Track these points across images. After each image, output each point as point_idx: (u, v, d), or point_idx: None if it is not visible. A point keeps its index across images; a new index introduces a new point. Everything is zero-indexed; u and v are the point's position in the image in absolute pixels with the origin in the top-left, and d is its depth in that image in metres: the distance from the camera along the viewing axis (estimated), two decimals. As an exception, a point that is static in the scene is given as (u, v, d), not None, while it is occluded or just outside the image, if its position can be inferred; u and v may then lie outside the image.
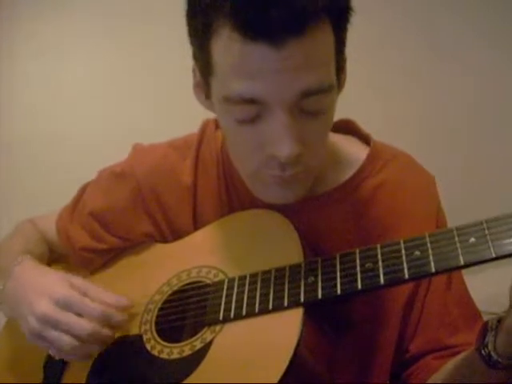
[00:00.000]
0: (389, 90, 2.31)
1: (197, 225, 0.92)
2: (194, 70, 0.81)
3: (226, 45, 0.67)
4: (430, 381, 0.80)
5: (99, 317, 0.82)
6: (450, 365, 0.77)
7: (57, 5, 2.14)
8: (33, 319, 0.82)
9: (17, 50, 2.14)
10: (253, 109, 0.70)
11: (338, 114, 0.92)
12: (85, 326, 0.80)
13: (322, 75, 0.69)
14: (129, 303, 0.86)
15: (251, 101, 0.68)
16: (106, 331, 0.82)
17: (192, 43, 0.76)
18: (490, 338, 0.67)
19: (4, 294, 0.89)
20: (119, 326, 0.84)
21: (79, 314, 0.82)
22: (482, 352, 0.67)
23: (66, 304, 0.82)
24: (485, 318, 0.87)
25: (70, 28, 2.16)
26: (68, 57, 2.16)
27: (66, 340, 0.80)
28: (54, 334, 0.81)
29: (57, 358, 0.85)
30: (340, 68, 0.75)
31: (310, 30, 0.65)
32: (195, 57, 0.77)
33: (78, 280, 0.87)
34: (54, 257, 1.04)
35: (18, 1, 2.12)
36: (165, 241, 0.94)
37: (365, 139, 0.92)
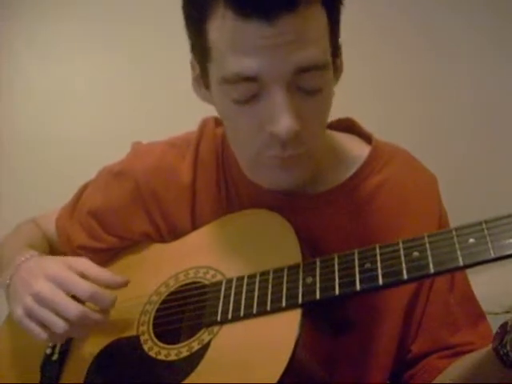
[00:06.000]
0: (389, 90, 2.31)
1: (195, 224, 0.91)
2: (192, 64, 0.81)
3: (221, 25, 0.69)
4: (438, 380, 0.79)
5: (87, 294, 0.80)
6: (463, 363, 0.77)
7: (57, 7, 2.14)
8: (29, 298, 0.81)
9: (17, 53, 2.15)
10: (250, 87, 0.70)
11: (339, 114, 0.92)
12: (76, 308, 0.78)
13: (316, 52, 0.70)
14: (124, 280, 0.85)
15: (248, 78, 0.69)
16: (96, 315, 0.80)
17: (189, 34, 0.76)
18: (508, 338, 0.66)
19: (10, 287, 0.88)
20: (107, 305, 0.82)
21: (73, 296, 0.81)
22: (500, 352, 0.67)
23: (58, 282, 0.81)
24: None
25: (70, 30, 2.17)
26: (68, 59, 2.17)
27: (56, 321, 0.79)
28: (45, 314, 0.79)
29: (46, 340, 0.83)
30: (335, 51, 0.76)
31: (302, 7, 0.67)
32: (193, 48, 0.78)
33: (76, 260, 0.86)
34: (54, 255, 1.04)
35: (18, 4, 2.12)
36: (163, 240, 0.94)
37: (366, 138, 0.91)
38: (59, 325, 0.79)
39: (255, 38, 0.67)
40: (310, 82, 0.71)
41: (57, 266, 0.84)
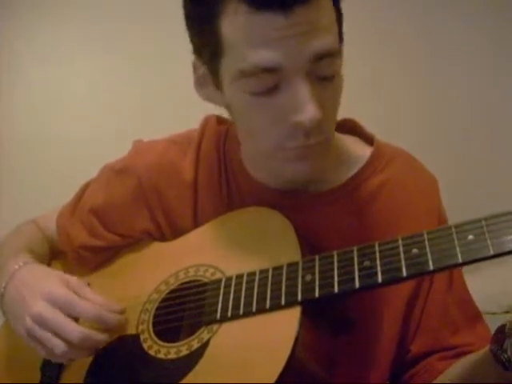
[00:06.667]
0: (389, 90, 2.31)
1: (197, 221, 0.91)
2: (194, 65, 0.81)
3: (234, 19, 0.70)
4: (438, 381, 0.79)
5: (92, 317, 0.81)
6: (462, 365, 0.77)
7: (57, 8, 2.15)
8: (28, 319, 0.81)
9: (18, 54, 2.15)
10: (269, 79, 0.71)
11: (339, 114, 0.92)
12: (77, 330, 0.79)
13: (330, 39, 0.72)
14: (121, 308, 0.85)
15: (267, 70, 0.70)
16: (98, 336, 0.81)
17: (194, 33, 0.77)
18: (509, 343, 0.66)
19: (5, 297, 0.89)
20: (113, 329, 0.83)
21: (73, 316, 0.81)
22: (501, 357, 0.66)
23: (60, 303, 0.81)
24: (484, 318, 0.87)
25: (70, 31, 2.18)
26: (68, 60, 2.17)
27: (58, 343, 0.79)
28: (46, 336, 0.80)
29: (50, 359, 0.85)
30: (341, 40, 0.77)
31: None
32: (199, 47, 0.78)
33: (74, 281, 0.87)
34: (54, 254, 1.04)
35: (18, 4, 2.13)
36: (164, 238, 0.93)
37: (368, 139, 0.91)
38: (59, 347, 0.79)
39: (271, 30, 0.68)
40: (326, 70, 0.73)
41: (54, 283, 0.84)
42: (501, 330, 0.68)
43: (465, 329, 0.83)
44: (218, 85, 0.78)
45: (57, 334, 0.79)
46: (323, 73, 0.72)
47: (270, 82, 0.71)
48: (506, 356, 0.66)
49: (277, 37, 0.68)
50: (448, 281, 0.84)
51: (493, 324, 0.79)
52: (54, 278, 0.86)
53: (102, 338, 0.81)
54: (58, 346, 0.79)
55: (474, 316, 0.86)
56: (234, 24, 0.70)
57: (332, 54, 0.72)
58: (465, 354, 0.80)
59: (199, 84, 0.82)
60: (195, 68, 0.81)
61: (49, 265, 1.02)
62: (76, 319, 0.82)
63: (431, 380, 0.80)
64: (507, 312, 1.88)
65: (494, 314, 1.79)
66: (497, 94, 2.37)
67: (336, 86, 0.76)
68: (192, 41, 0.78)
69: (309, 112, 0.71)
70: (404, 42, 2.35)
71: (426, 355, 0.82)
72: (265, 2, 0.67)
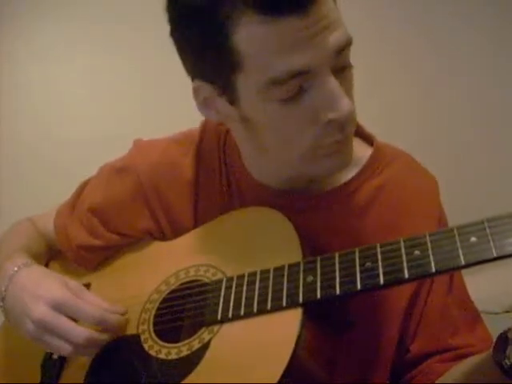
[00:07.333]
0: (389, 90, 2.31)
1: (197, 220, 0.91)
2: (196, 89, 0.78)
3: (251, 32, 0.69)
4: (439, 381, 0.79)
5: (95, 320, 0.82)
6: (464, 367, 0.77)
7: (57, 8, 2.15)
8: (30, 324, 0.82)
9: (17, 53, 2.15)
10: (298, 82, 0.71)
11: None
12: (81, 332, 0.80)
13: (345, 29, 0.72)
14: (122, 310, 0.86)
15: (298, 73, 0.70)
16: (101, 336, 0.82)
17: (197, 56, 0.75)
18: (511, 349, 0.66)
19: (6, 300, 0.89)
20: (114, 329, 0.84)
21: (75, 319, 0.82)
22: (504, 365, 0.66)
23: (62, 306, 0.82)
24: (485, 317, 0.87)
25: (70, 31, 2.18)
26: (68, 59, 2.17)
27: (63, 346, 0.81)
28: (50, 340, 0.81)
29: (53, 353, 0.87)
30: None
31: None
32: (202, 69, 0.76)
33: (73, 283, 0.88)
34: (52, 254, 1.04)
35: (18, 4, 2.13)
36: (164, 237, 0.93)
37: (368, 140, 0.91)
38: (65, 349, 0.81)
39: (292, 34, 0.68)
40: (344, 60, 0.73)
41: (54, 286, 0.85)
42: (503, 336, 0.67)
43: (464, 330, 0.83)
44: (232, 101, 0.76)
45: (61, 337, 0.81)
46: (341, 64, 0.73)
47: (296, 85, 0.71)
48: (508, 362, 0.66)
49: (299, 39, 0.68)
50: (448, 282, 0.84)
51: (494, 324, 0.79)
52: (54, 281, 0.87)
53: (105, 337, 0.83)
54: (65, 348, 0.81)
55: (473, 317, 0.86)
56: (250, 36, 0.69)
57: (350, 43, 0.72)
58: (464, 356, 0.80)
59: (204, 106, 0.80)
60: (197, 91, 0.78)
61: (47, 264, 1.02)
62: (75, 320, 0.83)
63: (432, 382, 0.80)
64: (507, 311, 1.88)
65: (496, 314, 1.80)
66: (497, 94, 2.37)
67: (351, 74, 0.76)
68: (192, 64, 0.77)
69: (345, 107, 0.71)
70: (404, 41, 2.35)
71: (425, 356, 0.82)
72: (278, 9, 0.67)
